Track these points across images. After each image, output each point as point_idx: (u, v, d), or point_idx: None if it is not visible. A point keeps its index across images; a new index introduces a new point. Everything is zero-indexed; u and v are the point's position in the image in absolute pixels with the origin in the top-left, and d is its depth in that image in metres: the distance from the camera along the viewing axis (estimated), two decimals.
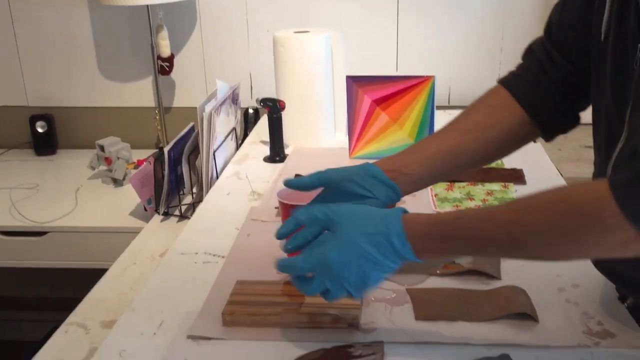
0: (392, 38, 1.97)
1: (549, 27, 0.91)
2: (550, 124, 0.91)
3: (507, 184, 1.29)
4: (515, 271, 0.96)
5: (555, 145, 1.64)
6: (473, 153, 0.90)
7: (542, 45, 0.92)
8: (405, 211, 0.76)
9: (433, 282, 0.95)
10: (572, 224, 0.65)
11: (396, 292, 0.92)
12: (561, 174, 1.35)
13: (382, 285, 0.92)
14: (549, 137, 0.94)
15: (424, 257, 0.73)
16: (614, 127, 0.75)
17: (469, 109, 0.94)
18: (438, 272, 0.96)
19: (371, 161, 0.90)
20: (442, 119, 1.71)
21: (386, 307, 0.89)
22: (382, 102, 1.45)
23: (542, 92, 0.89)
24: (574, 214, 0.65)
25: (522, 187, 1.28)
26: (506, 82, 0.93)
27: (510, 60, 2.03)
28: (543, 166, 1.40)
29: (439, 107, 1.59)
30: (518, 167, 1.37)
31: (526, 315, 0.84)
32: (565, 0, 0.88)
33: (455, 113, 1.99)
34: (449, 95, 2.00)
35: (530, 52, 0.93)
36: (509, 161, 1.39)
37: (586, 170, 1.52)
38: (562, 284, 0.93)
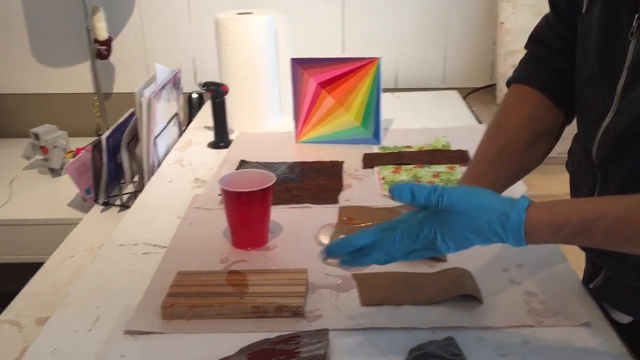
0: (337, 19, 1.94)
1: (555, 6, 0.88)
2: (571, 105, 0.87)
3: (453, 165, 1.28)
4: (460, 253, 0.95)
5: None
6: (529, 167, 0.89)
7: (547, 28, 0.88)
8: (530, 202, 0.67)
9: (379, 267, 0.93)
10: None
11: (342, 278, 0.91)
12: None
13: (328, 272, 0.92)
14: (572, 118, 0.90)
15: (529, 242, 0.67)
16: (600, 99, 0.75)
17: (501, 116, 0.89)
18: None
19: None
20: (389, 101, 1.71)
21: (332, 293, 0.87)
22: (327, 84, 1.42)
23: (563, 77, 0.86)
24: None
25: None
26: (523, 79, 0.90)
27: (455, 42, 2.05)
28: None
29: (386, 90, 1.58)
30: (463, 148, 1.37)
31: (471, 296, 0.84)
32: None
33: (403, 95, 1.98)
34: (396, 77, 1.99)
35: (536, 43, 0.90)
36: (455, 143, 1.39)
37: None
38: (507, 264, 0.93)
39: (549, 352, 0.74)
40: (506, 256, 0.95)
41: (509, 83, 0.92)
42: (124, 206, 1.38)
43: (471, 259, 0.94)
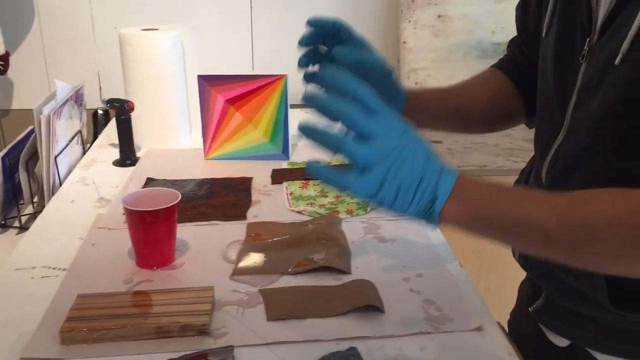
0: (247, 37, 1.96)
1: (518, 27, 0.95)
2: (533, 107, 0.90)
3: None
4: (364, 265, 0.99)
5: None
6: (477, 117, 0.96)
7: (518, 43, 0.97)
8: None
9: (286, 281, 0.95)
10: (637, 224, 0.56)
11: (248, 293, 0.91)
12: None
13: (234, 288, 0.92)
14: (533, 122, 0.93)
15: (449, 210, 0.63)
16: (553, 121, 0.77)
17: (469, 83, 0.98)
18: (290, 270, 0.97)
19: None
20: (299, 117, 1.73)
21: (238, 309, 0.87)
22: (235, 101, 1.43)
23: (530, 77, 0.89)
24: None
25: None
26: (497, 65, 0.99)
27: None
28: None
29: (295, 106, 1.60)
30: None
31: (373, 307, 0.87)
32: (524, 4, 0.91)
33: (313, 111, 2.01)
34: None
35: (511, 48, 0.99)
36: None
37: None
38: (407, 274, 0.97)
39: (445, 356, 0.78)
40: (407, 267, 0.99)
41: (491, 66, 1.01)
42: (23, 228, 1.32)
43: (374, 270, 0.97)
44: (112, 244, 1.06)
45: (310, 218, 1.14)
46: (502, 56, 1.02)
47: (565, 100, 0.75)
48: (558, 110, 0.77)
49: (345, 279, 0.95)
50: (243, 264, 0.98)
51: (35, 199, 1.37)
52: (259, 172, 1.37)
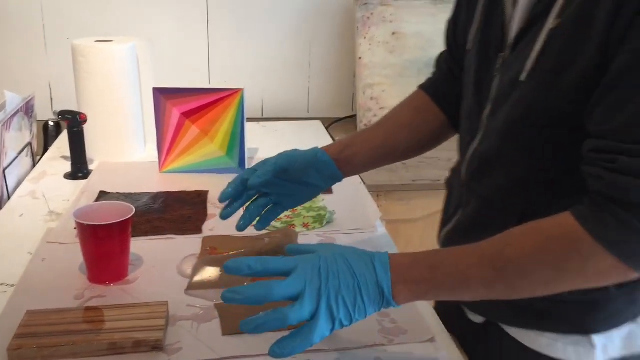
0: (203, 50, 1.96)
1: (448, 43, 1.02)
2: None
3: None
4: None
5: None
6: (404, 149, 1.02)
7: (446, 59, 1.04)
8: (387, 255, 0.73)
9: None
10: (552, 255, 0.67)
11: (203, 309, 0.91)
12: (364, 182, 1.44)
13: (189, 303, 0.92)
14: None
15: (400, 294, 0.71)
16: (472, 128, 0.87)
17: (397, 110, 1.05)
18: (246, 284, 0.96)
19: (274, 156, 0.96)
20: (255, 130, 1.74)
21: (193, 324, 0.87)
22: (191, 115, 1.43)
23: (455, 96, 0.97)
24: (552, 247, 0.68)
25: (330, 196, 1.34)
26: (424, 86, 1.05)
27: (318, 74, 2.13)
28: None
29: (253, 119, 1.62)
30: None
31: None
32: (455, 19, 0.98)
33: (269, 125, 2.03)
34: (262, 107, 2.04)
35: (438, 65, 1.06)
36: None
37: (385, 177, 1.63)
38: None
39: None
40: None
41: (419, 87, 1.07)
42: None
43: None
44: (63, 258, 1.03)
45: (266, 232, 1.14)
46: (431, 75, 1.08)
47: (481, 109, 0.85)
48: (476, 117, 0.86)
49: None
50: (198, 278, 0.98)
51: None
52: (215, 186, 1.36)
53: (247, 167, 1.46)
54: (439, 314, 0.92)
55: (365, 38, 1.91)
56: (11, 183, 1.33)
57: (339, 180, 0.98)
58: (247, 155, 1.46)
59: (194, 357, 0.80)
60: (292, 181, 0.94)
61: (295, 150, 0.96)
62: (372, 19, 1.90)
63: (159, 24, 1.90)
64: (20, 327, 0.82)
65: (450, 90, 1.00)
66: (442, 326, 0.89)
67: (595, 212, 0.67)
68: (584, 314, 0.82)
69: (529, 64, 0.74)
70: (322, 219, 1.19)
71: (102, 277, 0.96)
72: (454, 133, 1.03)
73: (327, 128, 1.91)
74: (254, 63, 2.00)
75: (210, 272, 0.99)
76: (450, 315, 0.94)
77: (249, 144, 1.47)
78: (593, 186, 0.69)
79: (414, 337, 0.86)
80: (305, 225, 1.18)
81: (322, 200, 1.31)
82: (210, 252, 1.06)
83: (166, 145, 1.44)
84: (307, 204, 1.28)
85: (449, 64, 1.02)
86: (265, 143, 1.67)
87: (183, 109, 1.42)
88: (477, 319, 0.93)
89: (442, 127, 1.02)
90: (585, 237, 0.66)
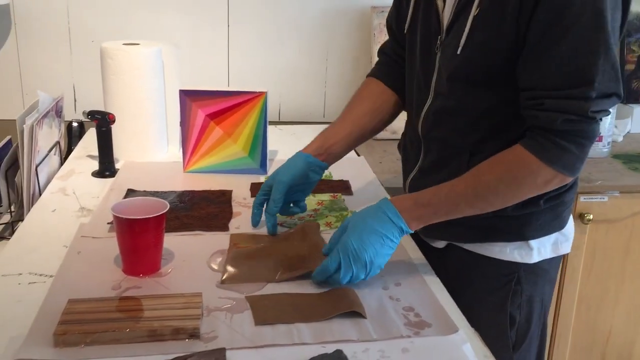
0: (223, 53, 2.00)
1: (391, 30, 1.25)
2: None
3: (336, 194, 1.37)
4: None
5: (376, 160, 1.79)
6: (371, 130, 1.24)
7: (389, 46, 1.27)
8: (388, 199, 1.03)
9: (270, 289, 0.99)
10: (513, 175, 0.97)
11: (235, 300, 0.95)
12: (382, 184, 1.48)
13: (221, 295, 0.96)
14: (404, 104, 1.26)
15: (413, 226, 1.00)
16: (422, 92, 1.13)
17: (357, 98, 1.27)
18: (277, 277, 1.00)
19: (297, 154, 1.22)
20: (273, 133, 1.78)
21: (226, 315, 0.91)
22: (216, 116, 1.47)
23: (401, 77, 1.21)
24: (512, 168, 0.97)
25: (350, 197, 1.38)
26: (375, 74, 1.28)
27: (334, 80, 2.17)
28: (367, 177, 1.51)
29: (270, 122, 1.65)
30: (345, 178, 1.47)
31: (356, 312, 0.91)
32: (397, 9, 1.21)
33: (287, 128, 2.07)
34: (279, 110, 2.08)
35: (382, 53, 1.29)
36: (337, 173, 1.49)
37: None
38: (386, 283, 1.02)
39: (425, 358, 0.83)
40: (385, 276, 1.04)
41: (367, 76, 1.30)
42: None
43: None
44: (97, 251, 1.07)
45: (290, 229, 1.18)
46: (375, 65, 1.30)
47: (429, 78, 1.10)
48: (424, 85, 1.12)
49: (327, 287, 0.99)
50: (230, 273, 1.02)
51: (13, 208, 1.37)
52: (238, 186, 1.40)
53: (268, 168, 1.50)
54: None
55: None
56: (42, 180, 1.37)
57: (327, 168, 1.22)
58: (268, 157, 1.50)
59: (229, 345, 0.83)
60: (297, 188, 1.17)
61: (285, 165, 1.19)
62: None
63: (179, 28, 1.94)
64: (64, 314, 0.86)
65: (397, 73, 1.23)
66: (465, 320, 0.93)
67: (535, 140, 0.95)
68: (523, 225, 1.09)
69: (462, 41, 1.00)
70: (344, 218, 1.23)
71: (136, 269, 1.00)
72: (402, 108, 1.26)
73: None
74: (272, 68, 2.04)
75: (240, 267, 1.03)
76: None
77: (270, 145, 1.51)
78: (531, 123, 0.97)
79: (438, 330, 0.89)
80: (328, 224, 1.22)
81: (343, 200, 1.35)
82: (238, 247, 1.10)
83: (190, 145, 1.48)
84: (328, 204, 1.32)
85: (395, 49, 1.25)
86: (283, 145, 1.71)
87: (208, 110, 1.46)
88: (439, 244, 1.18)
89: (396, 105, 1.25)
90: (533, 160, 0.95)
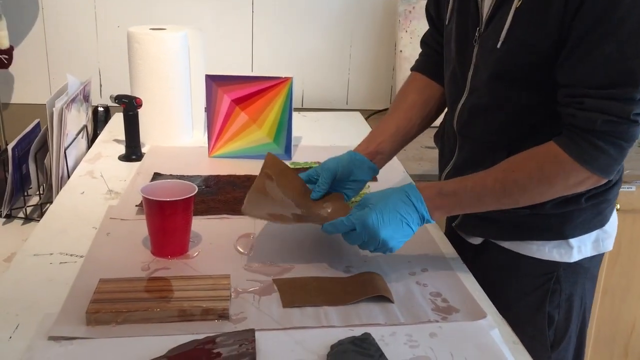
0: (247, 39, 2.00)
1: (431, 19, 1.21)
2: None
3: None
4: (371, 259, 1.04)
5: None
6: (419, 125, 1.19)
7: (430, 36, 1.23)
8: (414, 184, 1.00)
9: (297, 272, 0.99)
10: (545, 175, 0.93)
11: (263, 282, 0.95)
12: (407, 172, 1.47)
13: (248, 278, 0.96)
14: None
15: (435, 215, 0.97)
16: (458, 86, 1.09)
17: (402, 94, 1.23)
18: (300, 213, 1.02)
19: (348, 149, 1.15)
20: (296, 120, 1.78)
21: (254, 297, 0.91)
22: (241, 102, 1.47)
23: (441, 66, 1.16)
24: (545, 166, 0.93)
25: (374, 183, 1.37)
26: (419, 69, 1.24)
27: (357, 66, 2.16)
28: (391, 164, 1.48)
29: (294, 109, 1.65)
30: None
31: (383, 297, 0.92)
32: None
33: (310, 115, 2.06)
34: (302, 97, 2.08)
35: (424, 44, 1.25)
36: None
37: (427, 167, 1.66)
38: (413, 268, 1.02)
39: (454, 343, 0.83)
40: (412, 262, 1.04)
41: (411, 71, 1.26)
42: (29, 218, 1.34)
43: (382, 264, 1.02)
44: (126, 233, 1.09)
45: None
46: (419, 57, 1.26)
47: (465, 72, 1.06)
48: (460, 79, 1.08)
49: (354, 271, 1.00)
50: (251, 203, 1.01)
51: (42, 190, 1.39)
52: None
53: (292, 154, 1.50)
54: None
55: (406, 31, 1.94)
56: (70, 163, 1.39)
57: (376, 171, 1.16)
58: (293, 143, 1.50)
59: (258, 326, 0.84)
60: (343, 182, 1.12)
61: (333, 157, 1.13)
62: (413, 12, 1.93)
63: (203, 13, 1.95)
64: (96, 293, 0.87)
65: (441, 64, 1.17)
66: (493, 307, 0.93)
67: (572, 140, 0.92)
68: (563, 223, 1.05)
69: (503, 35, 0.96)
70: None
71: (165, 251, 1.01)
72: None
73: (366, 119, 1.94)
74: (295, 54, 2.04)
75: (260, 201, 1.03)
76: (451, 242, 1.14)
77: (295, 131, 1.51)
78: (568, 121, 0.93)
79: (466, 316, 0.89)
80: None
81: (368, 187, 1.35)
82: (268, 179, 1.09)
83: (216, 130, 1.49)
84: None
85: (436, 39, 1.20)
86: (307, 132, 1.71)
87: (233, 95, 1.46)
88: (475, 240, 1.14)
89: (442, 97, 1.20)
90: (567, 158, 0.92)
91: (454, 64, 1.09)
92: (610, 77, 0.88)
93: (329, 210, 1.05)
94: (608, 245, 1.12)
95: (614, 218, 1.13)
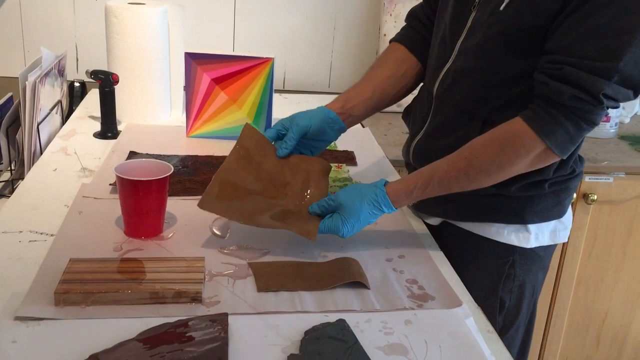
0: (229, 17, 1.96)
1: None
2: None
3: (340, 164, 1.36)
4: (349, 244, 1.03)
5: (381, 132, 1.77)
6: (392, 97, 1.19)
7: (421, 9, 1.22)
8: (386, 182, 1.01)
9: (273, 257, 0.98)
10: (507, 154, 0.95)
11: (238, 266, 0.94)
12: (387, 157, 1.46)
13: (223, 261, 0.95)
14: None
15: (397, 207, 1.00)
16: (446, 50, 1.09)
17: (379, 63, 1.22)
18: (255, 222, 0.97)
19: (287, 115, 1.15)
20: (278, 101, 1.75)
21: (229, 280, 0.90)
22: (221, 81, 1.44)
23: (427, 44, 1.17)
24: (507, 147, 0.94)
25: (354, 167, 1.36)
26: (400, 40, 1.22)
27: (341, 49, 2.13)
28: (371, 149, 1.50)
29: (275, 91, 1.63)
30: (350, 149, 1.45)
31: (359, 283, 0.91)
32: None
33: (291, 97, 2.04)
34: (284, 79, 2.05)
35: (412, 17, 1.23)
36: (342, 144, 1.47)
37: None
38: (390, 255, 1.01)
39: (428, 330, 0.83)
40: (390, 248, 1.03)
41: (390, 41, 1.25)
42: None
43: (359, 250, 1.01)
44: (99, 212, 1.06)
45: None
46: (402, 30, 1.24)
47: (456, 38, 1.06)
48: (450, 44, 1.08)
49: (330, 257, 0.99)
50: (210, 197, 0.98)
51: (13, 166, 1.36)
52: None
53: None
54: None
55: (391, 15, 1.91)
56: (43, 139, 1.35)
57: (344, 131, 1.17)
58: (273, 124, 1.47)
59: (232, 310, 0.83)
60: (310, 139, 1.13)
61: (305, 112, 1.13)
62: None
63: None
64: (65, 273, 0.85)
65: (423, 40, 1.19)
66: (469, 295, 0.93)
67: (535, 113, 0.93)
68: (524, 207, 1.07)
69: None
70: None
71: (138, 231, 0.99)
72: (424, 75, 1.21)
73: None
74: (278, 35, 2.01)
75: (223, 196, 1.00)
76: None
77: (275, 113, 1.49)
78: (538, 92, 0.94)
79: (441, 304, 0.89)
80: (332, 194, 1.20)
81: (347, 171, 1.34)
82: (243, 153, 1.06)
83: (194, 110, 1.46)
84: (333, 174, 1.31)
85: (426, 13, 1.20)
86: (288, 114, 1.67)
87: (213, 74, 1.43)
88: (434, 221, 1.16)
89: (418, 73, 1.20)
90: (527, 130, 0.93)
91: (445, 31, 1.09)
92: (595, 49, 0.88)
93: (304, 202, 1.04)
94: (563, 237, 1.14)
95: (570, 211, 1.15)
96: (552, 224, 1.11)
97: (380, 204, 0.98)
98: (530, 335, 1.21)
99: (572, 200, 1.16)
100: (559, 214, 1.11)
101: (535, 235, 1.09)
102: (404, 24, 1.26)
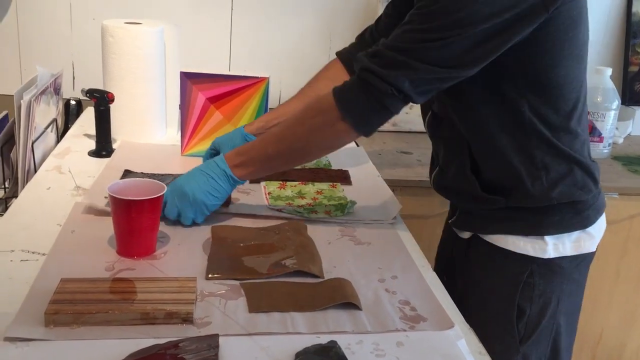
0: (225, 36, 1.98)
1: (379, 19, 1.26)
2: None
3: (335, 183, 1.36)
4: (341, 265, 1.03)
5: (376, 151, 1.78)
6: None
7: (370, 32, 1.27)
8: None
9: (265, 277, 0.97)
10: (317, 124, 1.02)
11: (230, 286, 0.94)
12: (381, 176, 1.46)
13: (215, 281, 0.94)
14: None
15: (236, 172, 1.08)
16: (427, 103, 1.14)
17: (313, 80, 1.28)
18: (265, 273, 0.98)
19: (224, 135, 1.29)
20: None
21: (220, 301, 0.90)
22: (216, 100, 1.45)
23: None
24: (316, 117, 1.02)
25: (349, 187, 1.37)
26: (341, 57, 1.28)
27: None
28: (366, 168, 1.50)
29: (270, 109, 1.64)
30: (344, 168, 1.45)
31: (351, 304, 0.90)
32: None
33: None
34: (280, 97, 2.06)
35: (361, 37, 1.29)
36: (336, 163, 1.48)
37: (402, 173, 1.66)
38: (383, 275, 1.01)
39: (420, 353, 0.82)
40: (382, 268, 1.03)
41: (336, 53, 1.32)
42: None
43: (351, 270, 1.01)
44: (91, 231, 1.06)
45: (277, 224, 1.14)
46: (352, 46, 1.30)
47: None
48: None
49: (321, 278, 0.98)
50: (215, 266, 0.98)
51: (7, 184, 1.36)
52: None
53: None
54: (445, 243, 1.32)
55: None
56: (37, 157, 1.36)
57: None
58: None
59: (223, 331, 0.82)
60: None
61: (225, 135, 1.27)
62: None
63: (180, 8, 1.92)
64: (56, 293, 0.84)
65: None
66: (461, 316, 0.92)
67: (343, 84, 1.01)
68: (538, 219, 1.09)
69: None
70: (343, 208, 1.22)
71: (131, 251, 0.99)
72: None
73: None
74: (274, 53, 2.02)
75: (226, 262, 1.00)
76: (448, 241, 1.27)
77: None
78: (353, 67, 1.01)
79: (433, 325, 0.88)
80: (327, 213, 1.21)
81: (342, 190, 1.34)
82: (221, 243, 1.06)
83: (189, 128, 1.47)
84: (327, 193, 1.31)
85: (372, 34, 1.26)
86: None
87: (209, 94, 1.44)
88: (465, 234, 1.20)
89: None
90: (330, 100, 1.00)
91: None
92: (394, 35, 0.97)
93: (294, 261, 1.01)
94: (590, 247, 1.13)
95: (601, 221, 1.15)
96: (574, 234, 1.11)
97: (215, 159, 1.09)
98: (559, 344, 1.18)
99: (602, 213, 1.15)
100: (582, 225, 1.11)
101: (554, 246, 1.10)
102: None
